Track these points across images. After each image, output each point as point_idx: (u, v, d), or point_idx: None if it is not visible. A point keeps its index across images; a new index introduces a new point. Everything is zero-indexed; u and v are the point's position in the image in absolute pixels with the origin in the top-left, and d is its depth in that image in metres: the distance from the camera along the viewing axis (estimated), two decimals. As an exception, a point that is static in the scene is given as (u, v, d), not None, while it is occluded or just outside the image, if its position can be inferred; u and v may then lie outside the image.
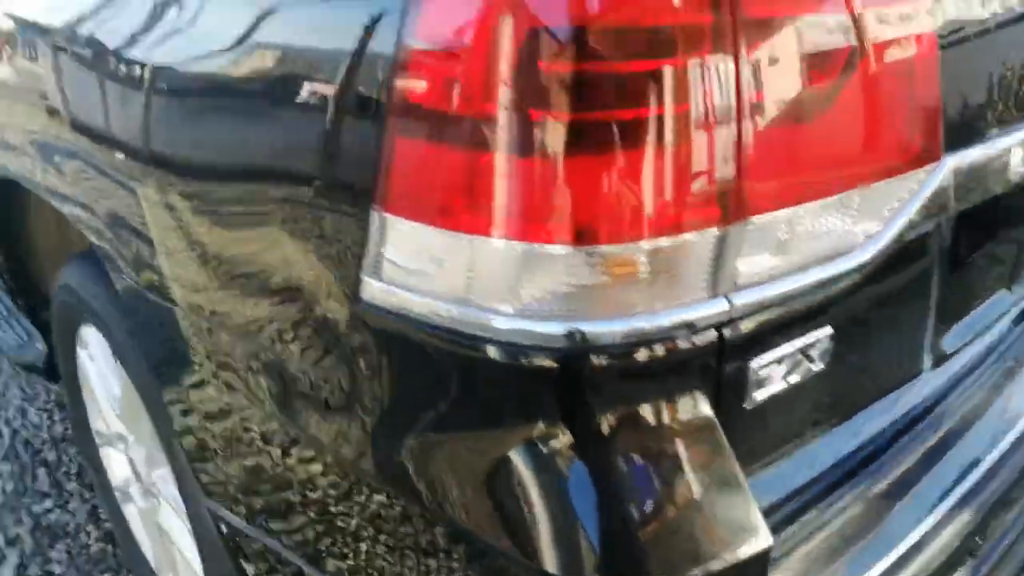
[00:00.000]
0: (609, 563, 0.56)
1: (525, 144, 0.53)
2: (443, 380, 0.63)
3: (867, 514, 0.75)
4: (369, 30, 0.59)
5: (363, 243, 0.63)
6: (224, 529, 1.00)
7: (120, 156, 0.90)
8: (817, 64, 0.59)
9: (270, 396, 0.81)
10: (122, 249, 0.99)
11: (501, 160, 0.54)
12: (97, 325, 1.24)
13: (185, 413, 0.99)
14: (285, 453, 0.84)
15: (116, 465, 1.49)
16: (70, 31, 0.97)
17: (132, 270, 0.98)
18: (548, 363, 0.57)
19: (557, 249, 0.55)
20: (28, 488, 1.84)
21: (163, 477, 1.27)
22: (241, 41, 0.71)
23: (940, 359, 0.88)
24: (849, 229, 0.65)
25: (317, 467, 0.80)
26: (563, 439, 0.59)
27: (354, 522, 0.77)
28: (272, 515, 0.91)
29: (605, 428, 0.59)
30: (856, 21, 0.61)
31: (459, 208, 0.57)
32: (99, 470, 1.55)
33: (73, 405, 1.58)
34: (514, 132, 0.53)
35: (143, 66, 0.83)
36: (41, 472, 1.90)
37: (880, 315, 0.75)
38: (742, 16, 0.54)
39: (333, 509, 0.80)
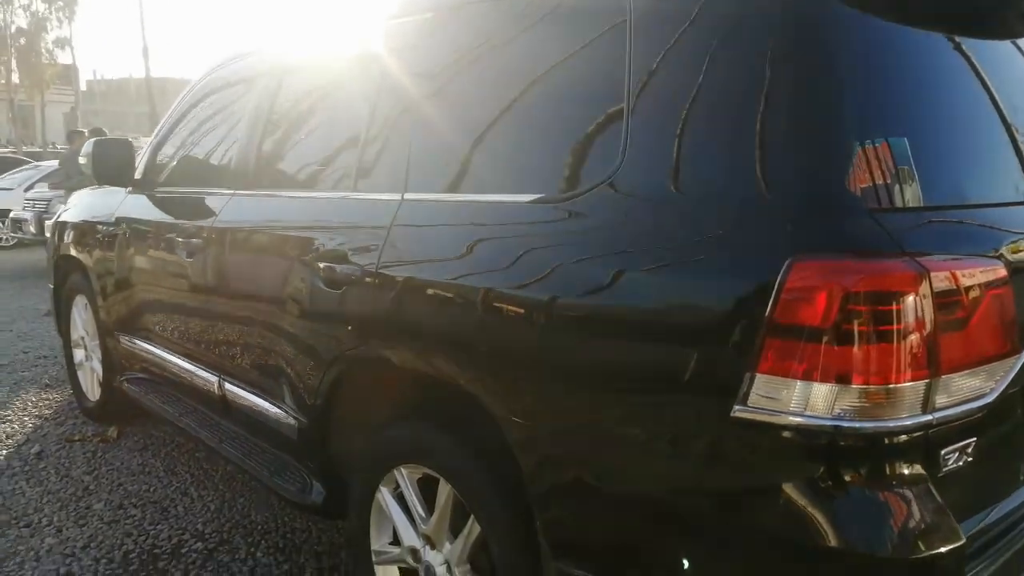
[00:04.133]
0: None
1: (846, 341, 1.20)
2: (786, 456, 1.25)
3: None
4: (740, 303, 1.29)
5: (736, 389, 1.26)
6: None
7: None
8: (968, 308, 1.27)
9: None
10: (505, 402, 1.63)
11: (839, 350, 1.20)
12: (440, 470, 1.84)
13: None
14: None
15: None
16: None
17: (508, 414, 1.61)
18: (853, 442, 1.20)
19: (857, 387, 1.19)
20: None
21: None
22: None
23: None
24: (983, 385, 1.30)
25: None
26: (859, 478, 1.20)
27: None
28: None
29: (882, 473, 1.21)
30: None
31: (804, 369, 1.22)
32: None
33: (359, 533, 2.12)
34: (838, 338, 1.19)
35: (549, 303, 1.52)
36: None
37: (998, 434, 1.37)
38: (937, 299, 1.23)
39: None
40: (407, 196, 1.96)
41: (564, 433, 1.56)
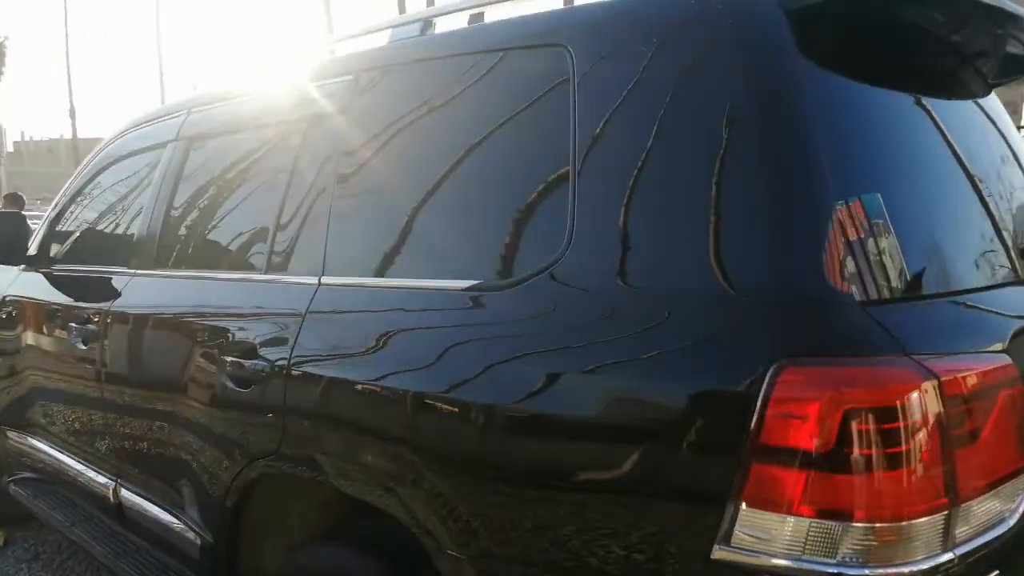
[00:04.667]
0: None
1: (849, 466, 0.98)
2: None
3: None
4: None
5: (716, 525, 1.03)
6: None
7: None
8: (983, 415, 1.07)
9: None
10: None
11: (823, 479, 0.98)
12: None
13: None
14: None
15: None
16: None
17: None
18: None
19: (863, 524, 0.97)
20: None
21: None
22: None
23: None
24: (1004, 507, 1.09)
25: None
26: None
27: None
28: None
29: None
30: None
31: (798, 502, 0.99)
32: None
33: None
34: (839, 462, 0.98)
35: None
36: None
37: (1021, 561, 1.16)
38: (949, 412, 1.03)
39: None
40: (324, 280, 1.71)
41: (504, 572, 1.30)
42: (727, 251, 1.15)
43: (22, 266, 3.12)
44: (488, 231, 1.45)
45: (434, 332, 1.46)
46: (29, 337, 2.93)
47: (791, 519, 1.00)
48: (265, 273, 1.88)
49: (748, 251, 1.14)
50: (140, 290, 2.34)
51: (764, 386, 1.02)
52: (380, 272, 1.63)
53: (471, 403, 1.32)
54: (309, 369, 1.63)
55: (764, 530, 1.01)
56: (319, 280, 1.71)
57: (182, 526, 2.05)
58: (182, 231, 2.30)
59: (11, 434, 3.07)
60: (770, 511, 1.01)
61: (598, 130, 1.32)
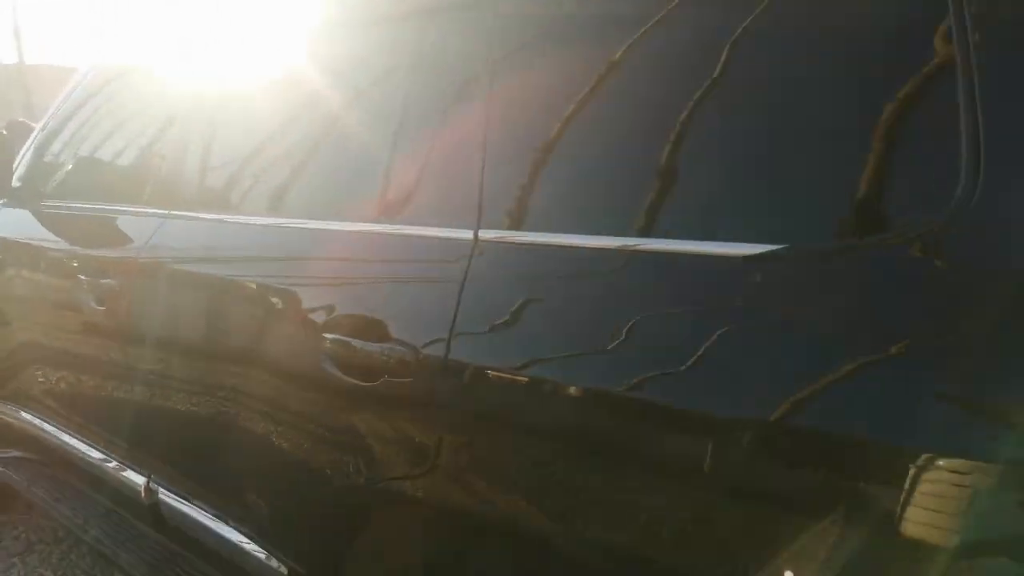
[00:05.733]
0: None
1: None
2: None
3: None
4: None
5: None
6: None
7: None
8: None
9: None
10: None
11: None
12: None
13: None
14: None
15: None
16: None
17: None
18: None
19: None
20: None
21: None
22: None
23: None
24: None
25: None
26: None
27: None
28: None
29: None
30: None
31: None
32: None
33: None
34: None
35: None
36: None
37: None
38: None
39: None
40: (482, 235, 1.21)
41: None
42: None
43: (2, 200, 2.54)
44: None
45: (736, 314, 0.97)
46: (16, 289, 2.37)
47: None
48: (398, 222, 1.36)
49: None
50: (183, 236, 1.80)
51: None
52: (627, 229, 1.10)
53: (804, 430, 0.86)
54: (467, 356, 1.15)
55: None
56: (475, 235, 1.21)
57: (255, 548, 1.58)
58: (251, 165, 1.74)
59: (-5, 406, 2.54)
60: None
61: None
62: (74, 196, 2.30)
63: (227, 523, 1.66)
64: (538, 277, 1.13)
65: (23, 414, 2.40)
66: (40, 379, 2.32)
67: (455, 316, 1.17)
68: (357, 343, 1.28)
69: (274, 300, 1.50)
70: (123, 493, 1.99)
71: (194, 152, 1.84)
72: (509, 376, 1.09)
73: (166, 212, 1.86)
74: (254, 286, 1.56)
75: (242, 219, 1.65)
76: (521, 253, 1.16)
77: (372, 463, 1.30)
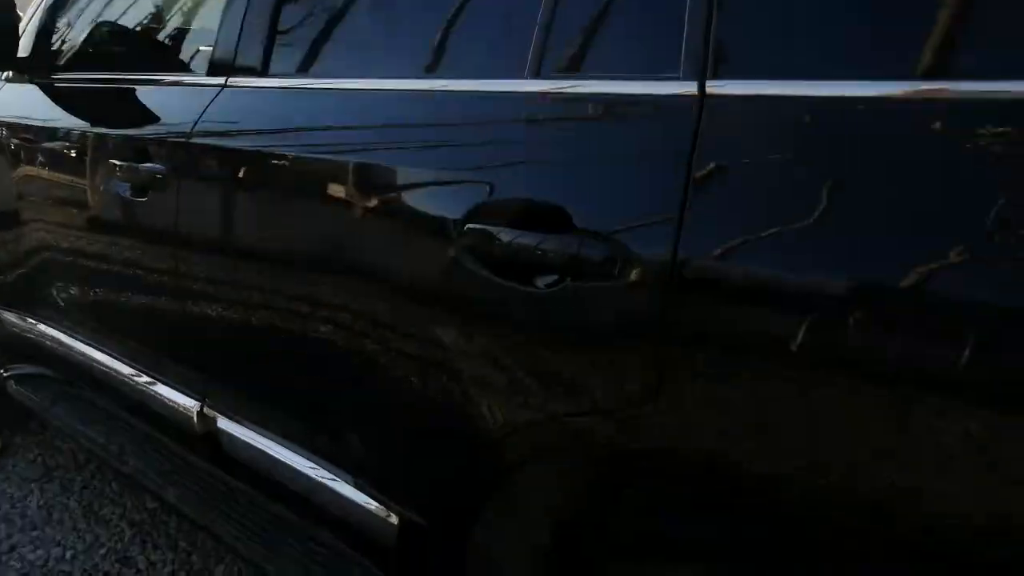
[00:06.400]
0: None
1: None
2: None
3: None
4: None
5: None
6: None
7: None
8: None
9: None
10: None
11: None
12: None
13: None
14: None
15: None
16: None
17: None
18: None
19: None
20: None
21: None
22: None
23: None
24: None
25: None
26: None
27: None
28: None
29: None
30: None
31: None
32: None
33: None
34: None
35: None
36: None
37: None
38: None
39: None
40: (709, 88, 0.88)
41: None
42: None
43: (7, 74, 2.16)
44: None
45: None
46: (30, 182, 2.02)
47: None
48: (569, 77, 1.01)
49: None
50: (250, 108, 1.45)
51: None
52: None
53: None
54: (729, 275, 0.83)
55: None
56: (700, 87, 0.88)
57: (358, 495, 1.29)
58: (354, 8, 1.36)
59: (7, 316, 2.21)
60: None
61: None
62: (97, 66, 1.92)
63: (312, 459, 1.36)
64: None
65: (41, 327, 2.07)
66: (60, 287, 1.99)
67: (685, 197, 0.84)
68: (525, 237, 0.96)
69: (386, 180, 1.17)
70: (169, 419, 1.69)
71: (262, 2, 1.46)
72: (801, 288, 0.77)
73: (222, 80, 1.50)
74: (363, 166, 1.21)
75: (341, 84, 1.30)
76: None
77: (525, 395, 0.99)
